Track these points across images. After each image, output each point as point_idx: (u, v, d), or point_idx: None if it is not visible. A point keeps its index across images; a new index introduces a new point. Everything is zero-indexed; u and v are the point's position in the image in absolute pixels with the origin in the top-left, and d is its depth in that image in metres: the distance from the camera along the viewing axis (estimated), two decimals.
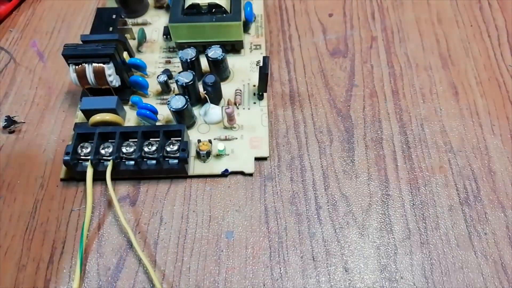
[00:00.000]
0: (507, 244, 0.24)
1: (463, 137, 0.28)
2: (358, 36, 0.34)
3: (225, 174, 0.27)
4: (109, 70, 0.28)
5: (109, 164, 0.26)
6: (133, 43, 0.33)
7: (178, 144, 0.26)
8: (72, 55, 0.28)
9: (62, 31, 0.36)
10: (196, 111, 0.29)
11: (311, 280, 0.24)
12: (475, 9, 0.35)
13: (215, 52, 0.29)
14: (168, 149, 0.26)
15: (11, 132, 0.30)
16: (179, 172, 0.27)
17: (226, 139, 0.28)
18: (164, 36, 0.34)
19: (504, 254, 0.24)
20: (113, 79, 0.28)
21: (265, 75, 0.28)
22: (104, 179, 0.26)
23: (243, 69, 0.32)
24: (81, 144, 0.27)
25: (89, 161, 0.26)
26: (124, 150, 0.26)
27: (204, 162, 0.28)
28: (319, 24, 0.35)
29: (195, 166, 0.27)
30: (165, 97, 0.31)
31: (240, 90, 0.30)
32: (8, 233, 0.26)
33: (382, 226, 0.25)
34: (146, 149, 0.26)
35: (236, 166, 0.27)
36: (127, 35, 0.33)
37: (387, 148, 0.28)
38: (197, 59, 0.30)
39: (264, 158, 0.28)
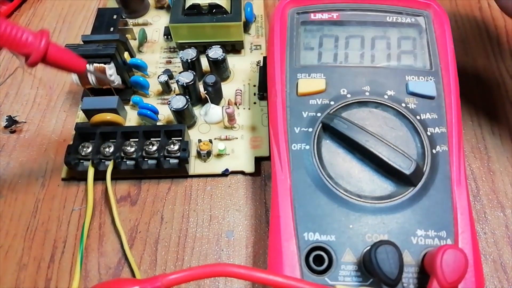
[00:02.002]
0: (507, 244, 0.24)
1: (463, 136, 0.28)
2: None
3: (226, 173, 0.27)
4: (110, 70, 0.28)
5: (110, 164, 0.26)
6: (134, 43, 0.33)
7: (179, 144, 0.26)
8: None
9: (63, 31, 0.36)
10: (197, 111, 0.30)
11: None
12: (475, 9, 0.35)
13: (215, 52, 0.29)
14: (168, 148, 0.26)
15: (12, 131, 0.30)
16: (179, 172, 0.27)
17: (226, 139, 0.28)
18: (165, 37, 0.34)
19: (504, 253, 0.24)
20: (115, 79, 0.28)
21: (265, 75, 0.28)
22: (105, 179, 0.26)
23: (243, 69, 0.32)
24: (82, 144, 0.27)
25: (90, 161, 0.26)
26: (125, 149, 0.26)
27: (204, 161, 0.28)
28: None
29: (196, 166, 0.28)
30: (165, 97, 0.31)
31: (241, 90, 0.31)
32: (9, 233, 0.26)
33: None
34: (147, 148, 0.26)
35: (237, 165, 0.27)
36: (128, 36, 0.33)
37: None
38: (198, 59, 0.30)
39: (265, 158, 0.28)
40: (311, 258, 0.19)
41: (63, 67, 0.22)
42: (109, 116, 0.28)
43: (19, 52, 0.20)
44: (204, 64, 0.31)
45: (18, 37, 0.20)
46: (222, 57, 0.29)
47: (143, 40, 0.33)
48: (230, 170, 0.27)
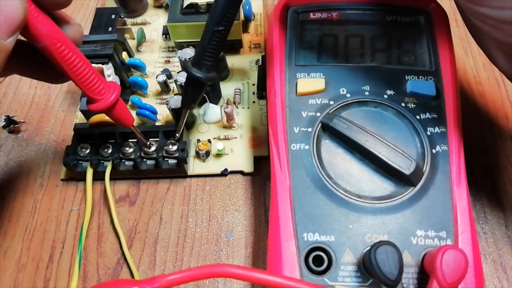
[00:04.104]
0: (506, 244, 0.24)
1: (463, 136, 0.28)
2: None
3: (225, 173, 0.27)
4: (108, 70, 0.28)
5: (108, 165, 0.26)
6: (132, 43, 0.33)
7: (177, 144, 0.26)
8: None
9: None
10: (196, 110, 0.29)
11: None
12: None
13: None
14: (167, 149, 0.26)
15: (10, 131, 0.30)
16: (178, 172, 0.27)
17: (225, 139, 0.28)
18: (164, 36, 0.34)
19: (503, 253, 0.24)
20: (112, 79, 0.28)
21: (264, 74, 0.27)
22: (104, 178, 0.26)
23: (242, 68, 0.32)
24: (81, 145, 0.27)
25: (89, 161, 0.26)
26: (123, 150, 0.26)
27: (203, 161, 0.28)
28: None
29: (195, 166, 0.27)
30: (164, 97, 0.31)
31: (239, 89, 0.30)
32: (7, 233, 0.26)
33: None
34: (145, 149, 0.26)
35: (236, 165, 0.27)
36: (126, 35, 0.33)
37: None
38: None
39: (264, 158, 0.28)
40: (310, 259, 0.19)
41: (115, 119, 0.22)
42: (107, 117, 0.27)
43: (87, 95, 0.20)
44: None
45: (94, 83, 0.20)
46: (221, 56, 0.29)
47: (141, 39, 0.33)
48: (229, 170, 0.27)
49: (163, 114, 0.30)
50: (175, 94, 0.27)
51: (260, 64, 0.32)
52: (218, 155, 0.28)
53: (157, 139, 0.26)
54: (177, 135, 0.26)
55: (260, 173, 0.28)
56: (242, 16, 0.32)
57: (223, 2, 0.21)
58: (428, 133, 0.22)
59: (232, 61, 0.32)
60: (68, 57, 0.18)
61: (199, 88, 0.24)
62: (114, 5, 0.34)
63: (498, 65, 0.21)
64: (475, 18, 0.19)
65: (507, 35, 0.18)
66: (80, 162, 0.27)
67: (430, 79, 0.23)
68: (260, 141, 0.28)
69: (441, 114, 0.22)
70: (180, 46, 0.32)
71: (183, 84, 0.28)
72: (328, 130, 0.22)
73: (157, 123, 0.29)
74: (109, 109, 0.21)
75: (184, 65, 0.23)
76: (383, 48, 0.25)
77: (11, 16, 0.15)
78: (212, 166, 0.27)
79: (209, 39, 0.21)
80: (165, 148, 0.26)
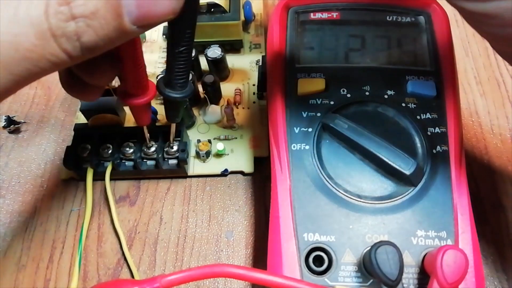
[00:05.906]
0: (507, 244, 0.24)
1: (463, 136, 0.28)
2: None
3: (225, 174, 0.27)
4: None
5: (109, 166, 0.26)
6: None
7: (178, 144, 0.26)
8: None
9: None
10: (196, 111, 0.29)
11: None
12: None
13: (214, 51, 0.29)
14: (167, 149, 0.26)
15: (10, 132, 0.30)
16: (178, 172, 0.27)
17: (225, 139, 0.28)
18: (164, 36, 0.34)
19: (504, 253, 0.24)
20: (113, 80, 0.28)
21: (264, 74, 0.27)
22: (104, 179, 0.26)
23: (242, 68, 0.32)
24: (81, 145, 0.27)
25: (89, 162, 0.26)
26: (123, 150, 0.26)
27: (203, 162, 0.28)
28: None
29: (195, 166, 0.27)
30: None
31: (240, 90, 0.30)
32: (7, 233, 0.26)
33: None
34: (145, 149, 0.26)
35: (236, 165, 0.27)
36: None
37: None
38: (196, 58, 0.30)
39: (264, 158, 0.28)
40: (311, 259, 0.19)
41: (140, 115, 0.23)
42: (108, 117, 0.27)
43: (133, 90, 0.20)
44: (203, 63, 0.31)
45: (144, 78, 0.20)
46: (221, 56, 0.29)
47: (141, 39, 0.33)
48: (229, 170, 0.27)
49: (163, 114, 0.29)
50: None
51: (260, 64, 0.32)
52: (218, 155, 0.28)
53: (157, 139, 0.26)
54: (170, 145, 0.26)
55: (260, 173, 0.28)
56: (242, 17, 0.32)
57: (177, 25, 0.20)
58: (429, 133, 0.22)
59: (232, 61, 0.32)
60: (138, 54, 0.19)
61: (178, 106, 0.24)
62: None
63: (494, 48, 0.21)
64: (459, 11, 0.19)
65: (489, 26, 0.18)
66: (80, 162, 0.27)
67: (431, 79, 0.23)
68: (260, 141, 0.28)
69: (441, 114, 0.22)
70: None
71: None
72: (329, 130, 0.22)
73: (157, 124, 0.29)
74: (146, 105, 0.21)
75: (158, 87, 0.22)
76: (384, 48, 0.25)
77: (163, 6, 0.14)
78: (212, 166, 0.27)
79: (173, 60, 0.21)
80: (165, 148, 0.26)
